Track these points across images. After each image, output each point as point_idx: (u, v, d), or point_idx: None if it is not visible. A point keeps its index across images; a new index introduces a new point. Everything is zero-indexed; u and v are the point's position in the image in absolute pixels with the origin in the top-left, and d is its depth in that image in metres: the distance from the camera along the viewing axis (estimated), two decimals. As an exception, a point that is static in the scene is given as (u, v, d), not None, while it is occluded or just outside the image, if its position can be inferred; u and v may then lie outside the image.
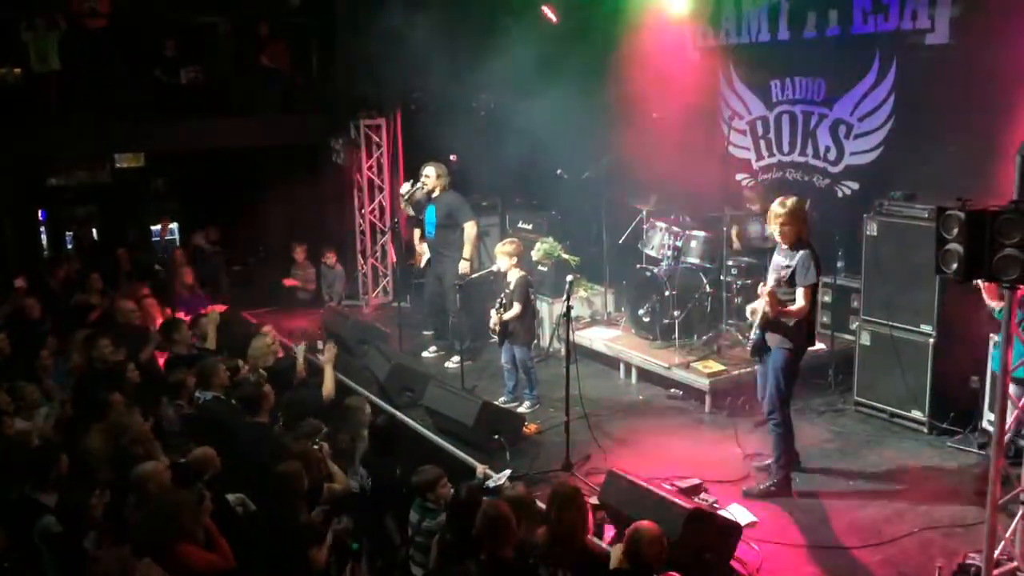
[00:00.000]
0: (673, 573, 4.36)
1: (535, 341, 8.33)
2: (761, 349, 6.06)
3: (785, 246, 5.95)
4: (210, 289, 11.24)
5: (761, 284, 6.11)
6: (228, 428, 6.30)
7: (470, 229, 8.81)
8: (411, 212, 9.81)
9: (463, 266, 8.69)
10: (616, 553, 4.50)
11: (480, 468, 6.35)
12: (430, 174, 8.82)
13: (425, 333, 9.71)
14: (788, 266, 5.86)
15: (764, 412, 6.18)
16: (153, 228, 13.56)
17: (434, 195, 8.84)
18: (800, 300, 5.76)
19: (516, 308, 7.47)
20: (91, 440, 5.71)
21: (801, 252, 5.83)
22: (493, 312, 7.61)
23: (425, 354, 9.29)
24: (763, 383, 6.16)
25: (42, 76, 10.76)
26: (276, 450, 5.78)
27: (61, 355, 7.78)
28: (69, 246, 13.02)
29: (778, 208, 5.91)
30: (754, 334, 6.07)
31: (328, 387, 7.20)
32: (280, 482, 5.08)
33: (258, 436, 6.22)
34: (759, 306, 5.92)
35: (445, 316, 9.06)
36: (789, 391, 6.06)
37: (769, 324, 5.91)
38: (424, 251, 9.67)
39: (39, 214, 13.36)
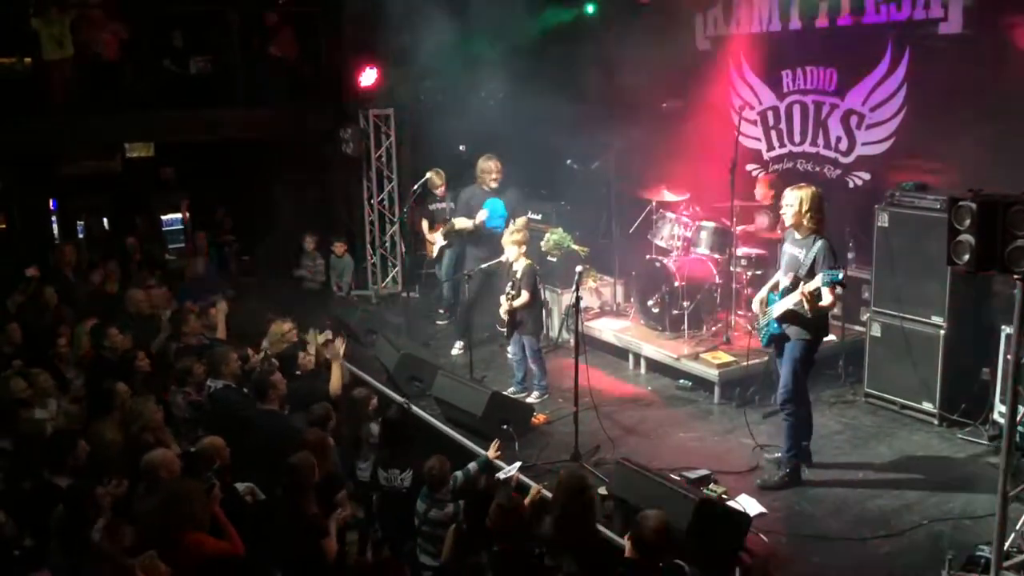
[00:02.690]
0: (677, 560, 4.36)
1: (544, 332, 8.30)
2: (781, 339, 6.03)
3: (799, 236, 5.90)
4: (221, 278, 11.26)
5: (802, 282, 5.78)
6: (240, 416, 6.31)
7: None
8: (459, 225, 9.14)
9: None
10: (629, 543, 4.51)
11: (493, 447, 6.38)
12: (492, 169, 8.77)
13: (439, 323, 9.69)
14: (804, 257, 5.78)
15: (778, 402, 6.13)
16: (164, 217, 13.54)
17: (496, 188, 8.83)
18: (828, 295, 5.67)
19: (525, 296, 7.44)
20: (105, 429, 5.74)
21: (818, 243, 5.75)
22: (503, 299, 7.58)
23: (454, 351, 8.99)
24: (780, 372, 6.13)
25: (55, 62, 10.68)
26: (293, 436, 5.75)
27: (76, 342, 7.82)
28: (81, 235, 13.04)
29: (792, 197, 5.85)
30: (769, 326, 6.04)
31: (335, 384, 6.95)
32: (290, 473, 5.09)
33: (272, 424, 6.20)
34: (790, 300, 5.80)
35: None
36: (805, 380, 6.04)
37: (789, 316, 5.89)
38: (436, 240, 9.66)
39: (50, 203, 13.39)
